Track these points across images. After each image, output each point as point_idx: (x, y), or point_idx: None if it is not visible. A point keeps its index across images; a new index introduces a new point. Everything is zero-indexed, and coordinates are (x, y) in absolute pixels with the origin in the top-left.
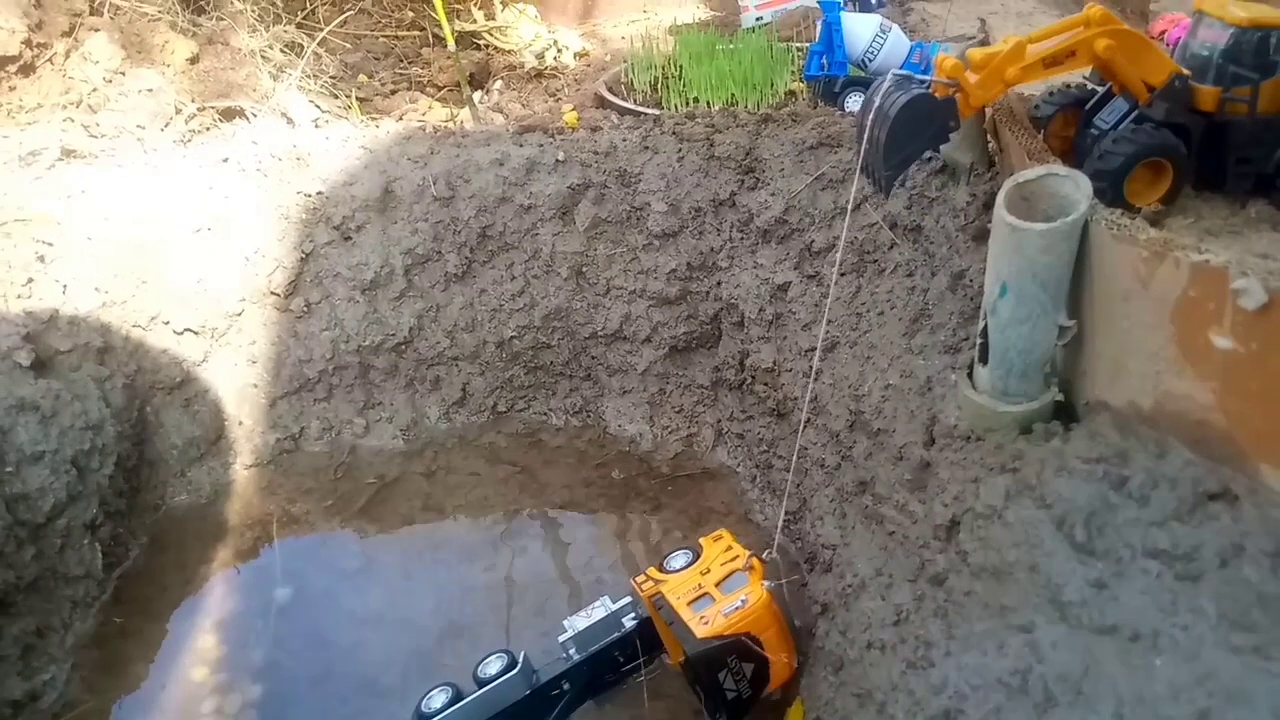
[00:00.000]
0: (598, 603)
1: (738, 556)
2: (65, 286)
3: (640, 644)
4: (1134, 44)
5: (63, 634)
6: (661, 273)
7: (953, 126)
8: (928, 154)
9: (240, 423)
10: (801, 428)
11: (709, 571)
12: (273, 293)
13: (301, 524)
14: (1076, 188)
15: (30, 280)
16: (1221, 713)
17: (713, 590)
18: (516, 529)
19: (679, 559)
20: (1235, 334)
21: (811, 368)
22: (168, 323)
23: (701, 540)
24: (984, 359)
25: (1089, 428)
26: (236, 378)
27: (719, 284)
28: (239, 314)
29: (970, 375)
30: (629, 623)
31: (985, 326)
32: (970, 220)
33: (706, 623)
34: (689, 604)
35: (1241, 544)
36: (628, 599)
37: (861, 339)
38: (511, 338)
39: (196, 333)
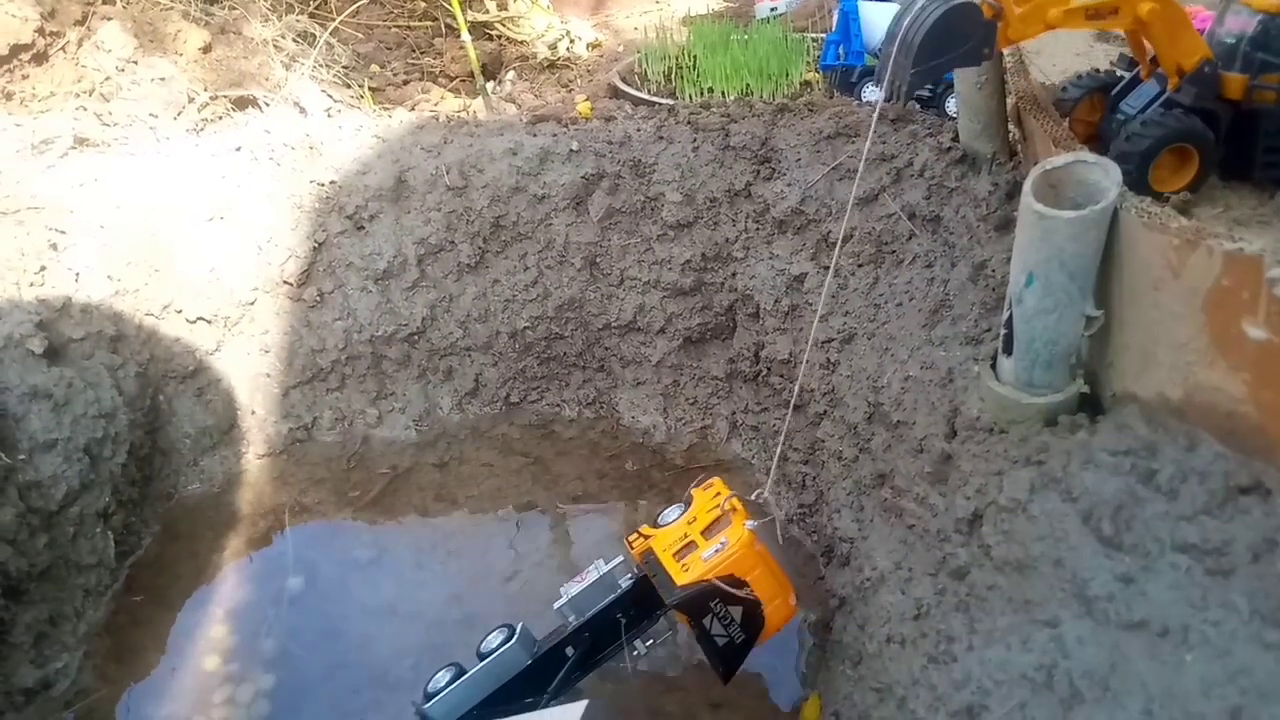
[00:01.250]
0: (591, 566)
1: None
2: (78, 274)
3: (640, 603)
4: (1176, 18)
5: (75, 622)
6: (676, 263)
7: (986, 54)
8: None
9: (253, 412)
10: (792, 405)
11: (695, 520)
12: (285, 282)
13: (313, 514)
14: (1105, 175)
15: (43, 268)
16: (1254, 710)
17: (697, 538)
18: (529, 520)
19: (671, 513)
20: (1270, 324)
21: (806, 353)
22: (180, 311)
23: (693, 490)
24: (1008, 350)
25: (1116, 420)
26: (249, 367)
27: (734, 275)
28: (252, 303)
29: (993, 366)
30: (625, 583)
31: (1009, 317)
32: (992, 210)
33: (687, 570)
34: (674, 555)
35: (1274, 538)
36: (620, 559)
37: (880, 330)
38: (524, 328)
39: (209, 321)
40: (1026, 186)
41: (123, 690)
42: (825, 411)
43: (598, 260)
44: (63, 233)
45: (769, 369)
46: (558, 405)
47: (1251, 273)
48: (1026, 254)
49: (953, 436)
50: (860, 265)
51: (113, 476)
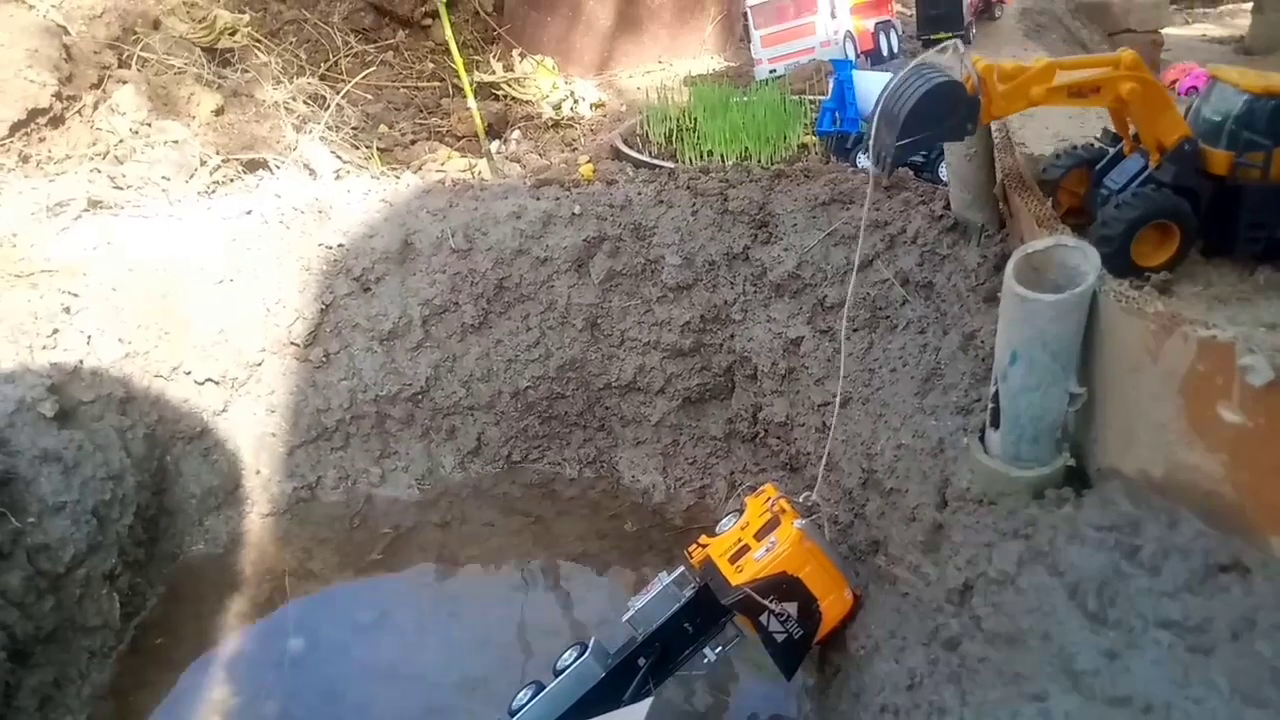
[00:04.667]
0: (654, 580)
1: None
2: (90, 337)
3: (704, 609)
4: (1156, 98)
5: (80, 685)
6: (675, 325)
7: (969, 129)
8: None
9: (258, 472)
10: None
11: (748, 525)
12: (292, 343)
13: (316, 575)
14: (1085, 259)
15: (55, 331)
16: None
17: (750, 540)
18: (530, 580)
19: (727, 522)
20: (1244, 408)
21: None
22: (189, 373)
23: (746, 499)
24: (995, 423)
25: (1101, 495)
26: (255, 427)
27: (732, 337)
28: (259, 364)
29: (982, 439)
30: (688, 592)
31: (996, 391)
32: (981, 281)
33: (741, 571)
34: (729, 559)
35: (1253, 617)
36: (680, 570)
37: (874, 396)
38: (526, 388)
39: (217, 382)
40: (1009, 269)
41: None
42: (824, 475)
43: (599, 321)
44: (75, 295)
45: (766, 430)
46: (559, 464)
47: (1224, 359)
48: (1010, 334)
49: (944, 506)
50: (855, 330)
51: (119, 538)
